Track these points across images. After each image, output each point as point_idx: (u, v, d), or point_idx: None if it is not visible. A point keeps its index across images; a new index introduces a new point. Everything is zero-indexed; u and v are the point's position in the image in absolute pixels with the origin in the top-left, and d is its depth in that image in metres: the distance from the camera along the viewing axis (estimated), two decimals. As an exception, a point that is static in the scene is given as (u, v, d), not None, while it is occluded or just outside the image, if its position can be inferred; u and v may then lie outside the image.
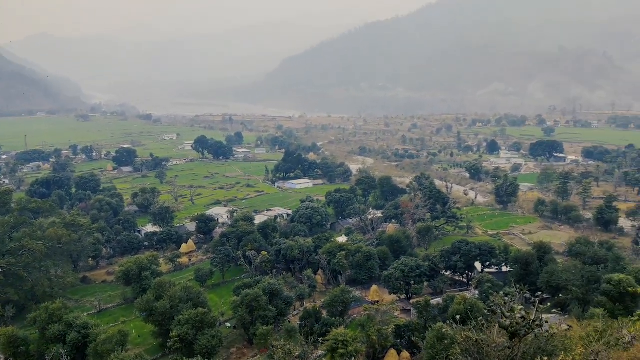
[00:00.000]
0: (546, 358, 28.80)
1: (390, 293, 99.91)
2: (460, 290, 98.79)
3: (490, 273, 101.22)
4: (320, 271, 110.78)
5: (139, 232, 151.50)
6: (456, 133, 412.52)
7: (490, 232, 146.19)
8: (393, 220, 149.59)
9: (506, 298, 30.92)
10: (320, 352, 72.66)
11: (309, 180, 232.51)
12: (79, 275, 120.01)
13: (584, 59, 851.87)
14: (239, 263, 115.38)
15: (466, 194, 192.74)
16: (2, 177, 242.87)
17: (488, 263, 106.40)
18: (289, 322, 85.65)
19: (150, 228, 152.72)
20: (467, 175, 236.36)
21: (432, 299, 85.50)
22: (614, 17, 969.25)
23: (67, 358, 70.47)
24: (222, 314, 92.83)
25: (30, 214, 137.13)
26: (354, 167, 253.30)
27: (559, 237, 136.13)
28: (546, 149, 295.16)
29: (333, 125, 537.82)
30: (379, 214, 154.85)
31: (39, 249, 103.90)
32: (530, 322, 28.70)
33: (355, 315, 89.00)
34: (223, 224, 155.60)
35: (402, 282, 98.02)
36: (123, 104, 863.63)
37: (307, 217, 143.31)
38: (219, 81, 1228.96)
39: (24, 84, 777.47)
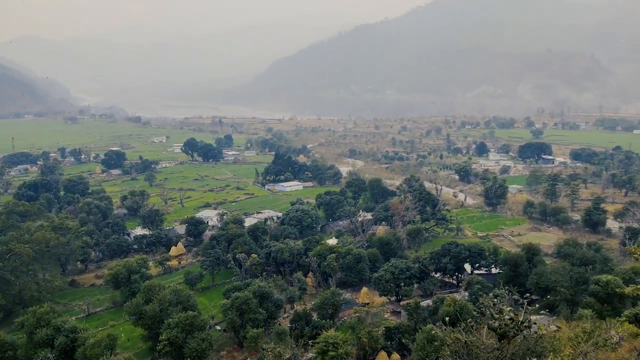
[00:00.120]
0: (535, 359, 28.99)
1: (380, 295, 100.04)
2: (450, 292, 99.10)
3: (479, 274, 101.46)
4: (310, 273, 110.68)
5: (128, 235, 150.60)
6: (445, 135, 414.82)
7: (479, 234, 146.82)
8: (383, 223, 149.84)
9: (495, 299, 31.10)
10: (310, 355, 72.62)
11: (299, 183, 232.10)
12: (67, 278, 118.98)
13: (572, 61, 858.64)
14: (228, 266, 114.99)
15: (456, 196, 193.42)
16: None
17: (477, 265, 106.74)
18: (279, 324, 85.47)
19: (139, 231, 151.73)
20: (457, 177, 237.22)
21: (422, 300, 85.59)
22: (600, 20, 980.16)
23: (55, 362, 69.91)
24: (212, 317, 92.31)
25: (17, 217, 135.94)
26: (344, 170, 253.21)
27: (548, 238, 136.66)
28: (535, 151, 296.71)
29: (323, 128, 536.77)
30: (369, 216, 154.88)
31: (26, 252, 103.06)
32: (519, 323, 28.92)
33: (345, 318, 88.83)
34: (213, 226, 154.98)
35: (392, 284, 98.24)
36: (112, 106, 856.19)
37: (297, 220, 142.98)
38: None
39: (10, 86, 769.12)
